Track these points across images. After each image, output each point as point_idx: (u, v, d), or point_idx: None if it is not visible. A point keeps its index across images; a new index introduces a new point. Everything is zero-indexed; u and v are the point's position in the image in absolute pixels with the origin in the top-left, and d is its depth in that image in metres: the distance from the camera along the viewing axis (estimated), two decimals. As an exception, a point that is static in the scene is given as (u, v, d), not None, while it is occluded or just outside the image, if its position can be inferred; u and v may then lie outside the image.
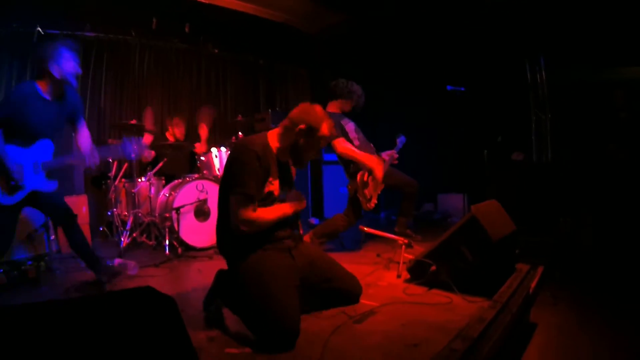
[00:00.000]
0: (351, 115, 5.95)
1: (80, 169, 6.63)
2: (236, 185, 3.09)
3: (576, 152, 7.24)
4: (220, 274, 3.50)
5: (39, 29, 7.03)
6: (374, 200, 5.45)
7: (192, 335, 1.80)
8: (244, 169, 3.09)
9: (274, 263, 3.13)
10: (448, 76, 7.07)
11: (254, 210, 3.10)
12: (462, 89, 6.57)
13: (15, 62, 6.97)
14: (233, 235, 3.17)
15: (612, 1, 6.59)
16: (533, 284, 3.61)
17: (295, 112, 3.33)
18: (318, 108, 3.34)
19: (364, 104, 5.98)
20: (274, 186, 3.28)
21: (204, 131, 7.82)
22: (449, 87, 6.56)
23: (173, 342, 1.70)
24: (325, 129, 3.26)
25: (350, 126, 5.76)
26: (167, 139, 7.43)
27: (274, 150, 3.31)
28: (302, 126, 3.21)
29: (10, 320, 1.56)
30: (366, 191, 5.33)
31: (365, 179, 5.30)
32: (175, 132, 7.57)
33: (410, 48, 8.76)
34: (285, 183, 3.43)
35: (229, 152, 3.36)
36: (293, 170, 3.60)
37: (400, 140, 6.28)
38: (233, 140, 7.34)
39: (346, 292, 3.48)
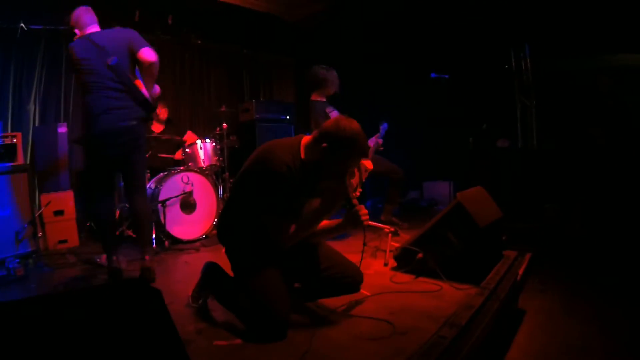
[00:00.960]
0: (334, 101, 5.97)
1: (65, 165, 6.57)
2: (267, 205, 2.91)
3: (561, 139, 7.27)
4: (208, 266, 3.46)
5: (22, 24, 6.94)
6: (360, 189, 5.45)
7: (180, 327, 1.80)
8: (272, 192, 2.87)
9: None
10: (432, 63, 7.06)
11: (289, 226, 2.96)
12: (447, 76, 6.57)
13: (-1, 59, 6.88)
14: (238, 230, 3.19)
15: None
16: (521, 271, 3.63)
17: (327, 124, 2.95)
18: (355, 126, 2.89)
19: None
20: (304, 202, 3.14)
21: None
22: (433, 75, 6.56)
23: (160, 335, 1.69)
24: (354, 153, 2.91)
25: (334, 114, 5.75)
26: (151, 131, 7.36)
27: (306, 164, 2.99)
28: (324, 144, 2.84)
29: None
30: (353, 180, 5.33)
31: None
32: (160, 115, 7.45)
33: (394, 35, 8.75)
34: (314, 195, 3.16)
35: (257, 155, 2.99)
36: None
37: (383, 127, 6.33)
38: (217, 132, 7.32)
39: (347, 280, 3.36)
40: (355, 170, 4.92)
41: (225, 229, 3.33)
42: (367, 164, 5.00)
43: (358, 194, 3.47)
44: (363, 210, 2.87)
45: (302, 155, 2.98)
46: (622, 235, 5.49)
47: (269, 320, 2.75)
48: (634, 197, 5.88)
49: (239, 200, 3.22)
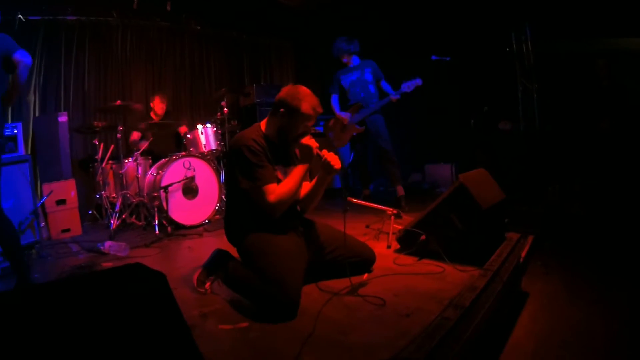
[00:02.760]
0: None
1: (66, 154, 6.56)
2: (252, 181, 3.19)
3: (563, 121, 7.26)
4: (217, 251, 3.54)
5: (20, 16, 6.92)
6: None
7: (185, 312, 1.80)
8: (249, 163, 3.19)
9: (281, 237, 3.27)
10: (433, 46, 7.02)
11: (274, 190, 3.21)
12: (448, 58, 6.54)
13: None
14: (241, 223, 3.36)
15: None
16: (523, 253, 3.64)
17: (280, 94, 3.39)
18: (300, 88, 3.37)
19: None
20: (276, 172, 3.38)
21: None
22: (434, 57, 6.54)
23: (166, 318, 1.70)
24: (305, 107, 3.29)
25: None
26: (151, 118, 7.36)
27: (269, 136, 3.40)
28: (282, 109, 3.31)
29: (2, 305, 1.55)
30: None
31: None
32: (157, 110, 7.48)
33: (394, 17, 8.70)
34: (290, 164, 3.53)
35: (228, 153, 3.37)
36: (297, 150, 3.55)
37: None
38: (218, 117, 7.31)
39: (360, 259, 3.55)
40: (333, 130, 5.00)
41: (230, 224, 3.52)
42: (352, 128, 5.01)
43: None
44: (332, 157, 3.22)
45: (265, 132, 3.41)
46: (622, 214, 5.50)
47: (281, 299, 2.80)
48: (633, 177, 5.89)
49: (231, 191, 3.53)
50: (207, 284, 3.37)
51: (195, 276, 3.41)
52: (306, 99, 3.30)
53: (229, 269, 3.29)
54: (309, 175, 3.47)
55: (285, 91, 3.36)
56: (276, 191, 3.19)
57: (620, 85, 6.54)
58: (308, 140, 3.25)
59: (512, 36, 7.74)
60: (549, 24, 7.33)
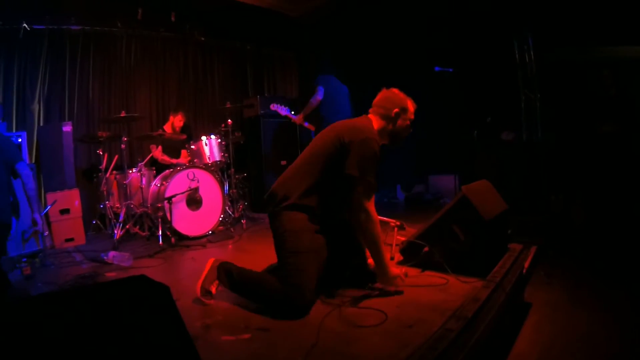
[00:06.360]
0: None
1: (70, 163, 6.59)
2: (364, 173, 3.20)
3: (566, 131, 7.26)
4: (219, 260, 3.51)
5: (25, 25, 6.96)
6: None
7: (187, 323, 1.80)
8: (373, 159, 3.25)
9: (317, 236, 3.31)
10: (436, 57, 7.04)
11: (372, 204, 3.27)
12: (451, 69, 6.56)
13: (2, 60, 6.87)
14: (304, 193, 3.32)
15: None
16: (526, 264, 3.65)
17: (382, 99, 3.57)
18: (397, 90, 3.60)
19: None
20: None
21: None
22: (437, 68, 6.56)
23: (168, 330, 1.70)
24: (411, 106, 3.54)
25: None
26: (163, 130, 7.40)
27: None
28: (396, 109, 3.47)
29: (6, 315, 1.56)
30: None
31: None
32: (175, 125, 7.52)
33: (397, 29, 8.73)
34: None
35: (352, 130, 3.36)
36: None
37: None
38: (222, 128, 7.34)
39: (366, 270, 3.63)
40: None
41: (287, 186, 3.42)
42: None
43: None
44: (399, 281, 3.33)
45: (378, 136, 3.45)
46: (625, 223, 5.50)
47: (299, 303, 2.95)
48: (636, 186, 5.89)
49: (314, 160, 3.43)
50: (213, 288, 3.38)
51: (199, 286, 3.39)
52: (409, 98, 3.58)
53: (234, 275, 3.31)
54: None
55: (389, 95, 3.57)
56: (373, 210, 3.25)
57: (627, 93, 6.54)
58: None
59: (514, 45, 7.75)
60: (551, 33, 7.34)
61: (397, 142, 3.59)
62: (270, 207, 3.41)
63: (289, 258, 3.15)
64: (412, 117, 3.56)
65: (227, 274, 3.36)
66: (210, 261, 3.50)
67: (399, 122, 3.49)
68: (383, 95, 3.58)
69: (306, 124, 7.49)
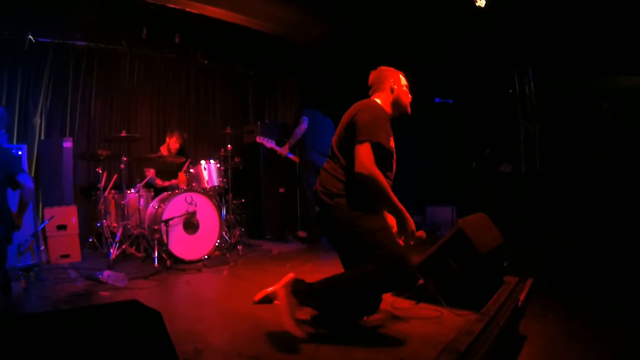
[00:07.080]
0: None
1: (69, 179, 6.60)
2: (368, 135, 3.18)
3: (564, 163, 7.29)
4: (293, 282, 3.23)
5: (30, 37, 7.01)
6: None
7: (179, 347, 1.80)
8: (377, 122, 3.29)
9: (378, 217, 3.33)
10: (436, 88, 7.08)
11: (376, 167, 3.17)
12: (450, 101, 6.59)
13: (6, 70, 6.93)
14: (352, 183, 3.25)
15: (599, 14, 6.65)
16: (522, 296, 3.64)
17: (374, 78, 3.75)
18: (384, 67, 3.82)
19: None
20: (392, 143, 3.51)
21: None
22: (437, 100, 6.58)
23: (158, 356, 1.70)
24: (401, 74, 3.77)
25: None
26: (160, 152, 7.40)
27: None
28: (391, 79, 3.65)
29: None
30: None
31: None
32: (171, 147, 7.55)
33: (397, 59, 8.77)
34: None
35: (355, 108, 3.40)
36: None
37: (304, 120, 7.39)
38: (222, 153, 7.35)
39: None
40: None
41: (337, 178, 3.35)
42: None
43: None
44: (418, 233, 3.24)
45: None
46: (623, 256, 5.50)
47: (402, 263, 2.95)
48: (635, 219, 5.90)
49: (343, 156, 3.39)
50: (302, 315, 3.21)
51: (287, 321, 3.05)
52: (394, 69, 3.78)
53: (315, 287, 3.15)
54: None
55: (380, 71, 3.77)
56: (377, 169, 3.14)
57: (627, 125, 6.57)
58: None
59: (514, 77, 7.80)
60: (551, 64, 7.40)
61: (403, 109, 3.66)
62: (321, 203, 3.33)
63: (374, 236, 3.08)
64: (406, 82, 3.74)
65: (307, 293, 3.13)
66: (282, 294, 3.12)
67: (397, 89, 3.62)
68: (373, 75, 3.76)
69: (290, 156, 7.75)
